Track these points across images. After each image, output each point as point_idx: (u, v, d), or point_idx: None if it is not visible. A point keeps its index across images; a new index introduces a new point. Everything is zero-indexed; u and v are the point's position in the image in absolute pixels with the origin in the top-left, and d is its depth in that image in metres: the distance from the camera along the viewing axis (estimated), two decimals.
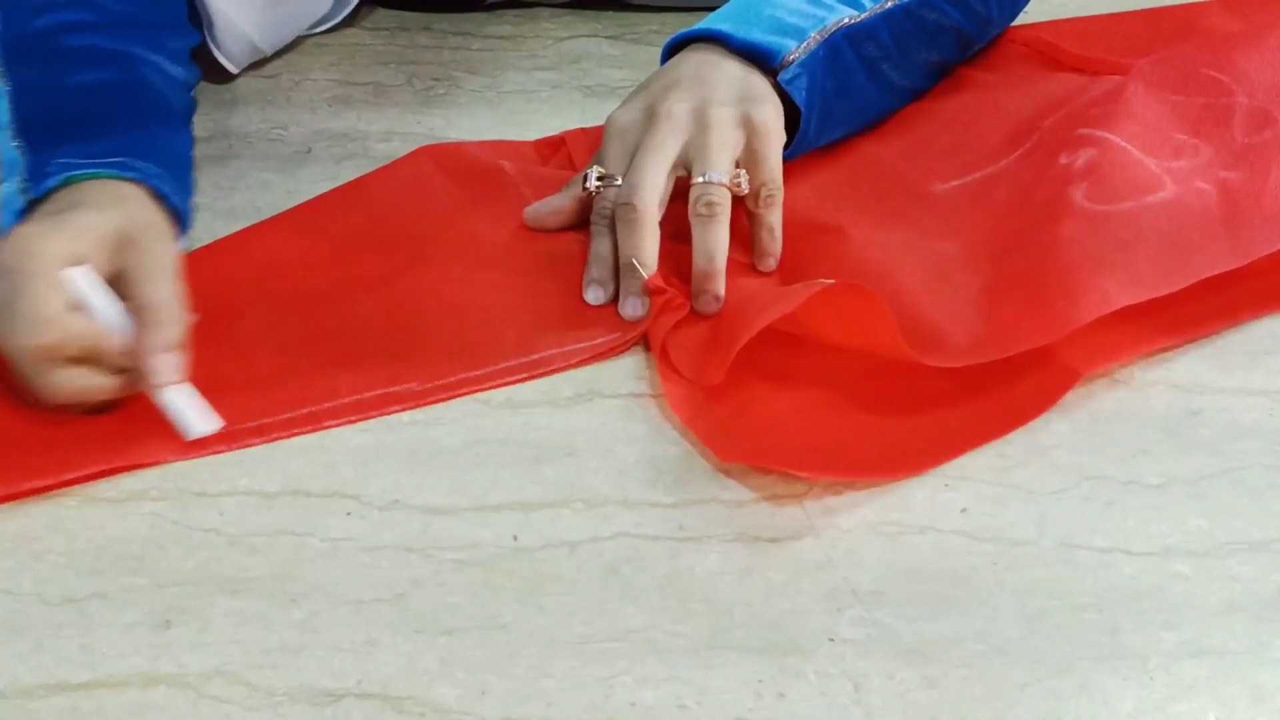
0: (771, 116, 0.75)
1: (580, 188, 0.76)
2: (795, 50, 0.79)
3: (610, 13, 1.02)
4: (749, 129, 0.74)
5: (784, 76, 0.78)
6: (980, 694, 0.56)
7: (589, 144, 0.84)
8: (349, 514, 0.62)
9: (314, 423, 0.67)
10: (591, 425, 0.67)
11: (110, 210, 0.66)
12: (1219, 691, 0.56)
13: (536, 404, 0.68)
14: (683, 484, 0.64)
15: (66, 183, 0.68)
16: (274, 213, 0.80)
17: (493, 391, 0.69)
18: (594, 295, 0.73)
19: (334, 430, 0.66)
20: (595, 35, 0.99)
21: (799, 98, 0.78)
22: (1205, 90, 0.84)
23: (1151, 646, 0.58)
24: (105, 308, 0.64)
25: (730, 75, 0.77)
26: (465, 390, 0.69)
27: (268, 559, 0.60)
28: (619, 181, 0.74)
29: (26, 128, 0.71)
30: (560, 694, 0.55)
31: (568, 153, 0.84)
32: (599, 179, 0.75)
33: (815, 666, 0.56)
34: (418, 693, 0.55)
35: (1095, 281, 0.70)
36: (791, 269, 0.75)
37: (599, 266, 0.73)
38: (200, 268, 0.71)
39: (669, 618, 0.58)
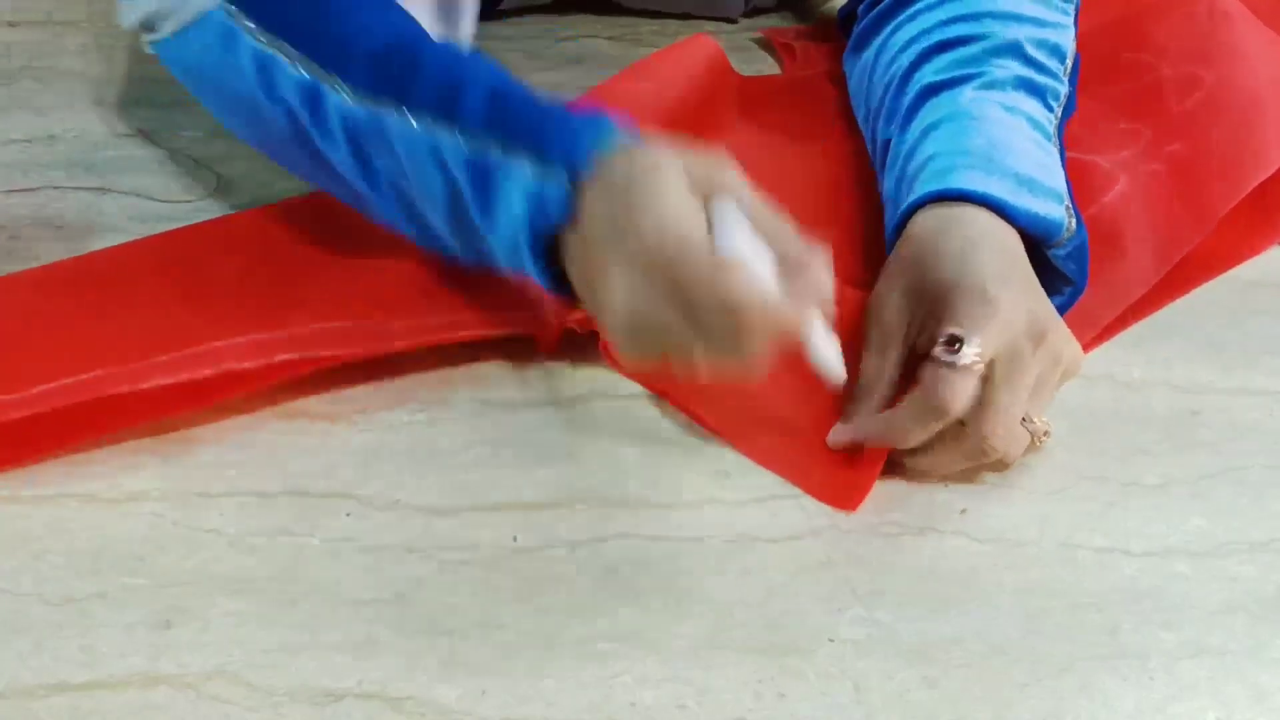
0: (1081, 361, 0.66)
1: (947, 348, 0.63)
2: (1069, 220, 0.70)
3: (610, 14, 1.02)
4: (1064, 373, 0.65)
5: (1058, 253, 0.69)
6: (980, 694, 0.56)
7: None
8: (349, 514, 0.62)
9: (266, 353, 0.66)
10: (591, 425, 0.67)
11: (662, 164, 0.60)
12: (1219, 691, 0.56)
13: (536, 404, 0.68)
14: (683, 484, 0.64)
15: (603, 156, 0.61)
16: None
17: (493, 392, 0.69)
18: (841, 439, 0.65)
19: (334, 430, 0.66)
20: (595, 36, 1.00)
21: (1074, 274, 0.70)
22: (1129, 75, 0.85)
23: (1151, 646, 0.58)
24: (758, 252, 0.58)
25: (1030, 273, 0.67)
26: (421, 340, 0.69)
27: (268, 559, 0.60)
28: (983, 364, 0.62)
29: (486, 130, 0.64)
30: (560, 694, 0.55)
31: None
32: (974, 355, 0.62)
33: (815, 667, 0.56)
34: (418, 693, 0.55)
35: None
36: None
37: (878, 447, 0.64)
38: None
39: (669, 618, 0.58)
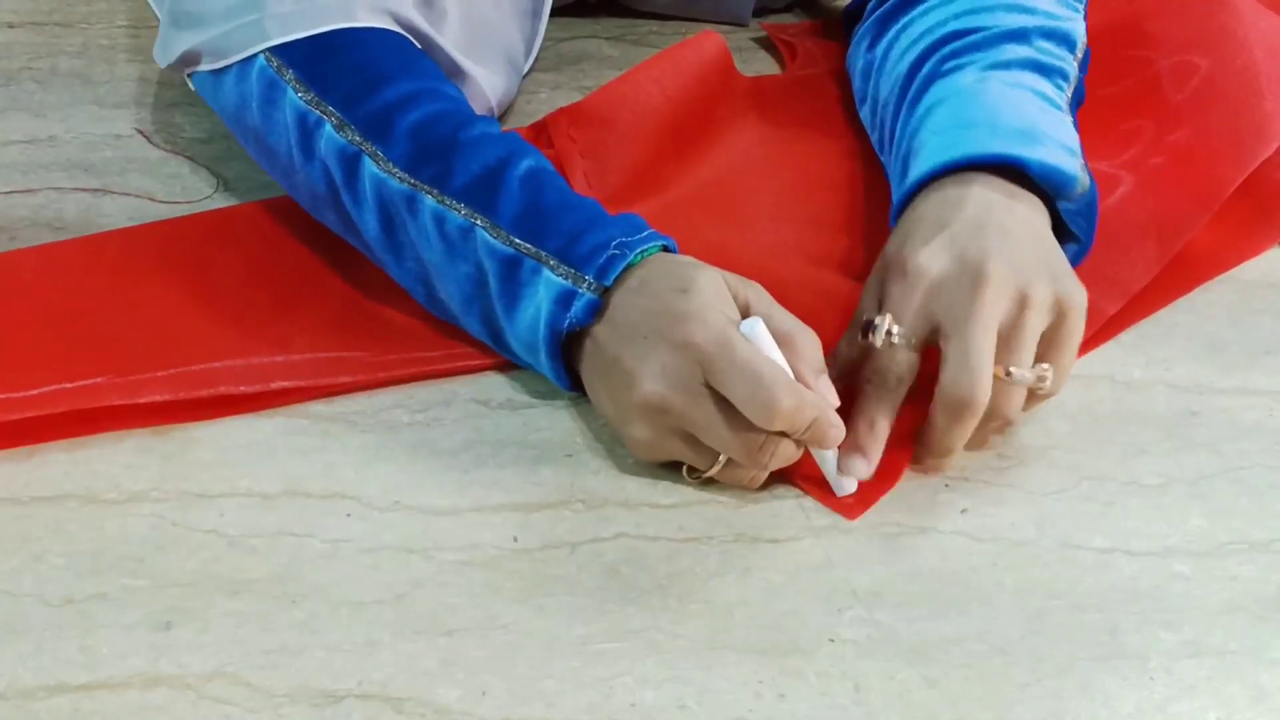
0: (1083, 298, 0.65)
1: (864, 336, 0.65)
2: (1083, 175, 0.69)
3: (611, 15, 1.02)
4: (1059, 312, 0.64)
5: (1069, 208, 0.69)
6: (980, 694, 0.56)
7: (569, 122, 0.84)
8: (349, 515, 0.62)
9: (263, 379, 0.67)
10: (591, 425, 0.67)
11: (702, 267, 0.63)
12: (1219, 691, 0.56)
13: (536, 404, 0.68)
14: (683, 484, 0.64)
15: (631, 264, 0.64)
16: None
17: (493, 392, 0.69)
18: (857, 467, 0.63)
19: (334, 430, 0.66)
20: (595, 36, 0.99)
21: (1081, 231, 0.70)
22: (1130, 71, 0.86)
23: (1151, 646, 0.58)
24: (782, 363, 0.61)
25: (1038, 236, 0.67)
26: (416, 371, 0.69)
27: (268, 560, 0.60)
28: (909, 338, 0.64)
29: (519, 223, 0.66)
30: (560, 695, 0.55)
31: (548, 136, 0.84)
32: (890, 333, 0.64)
33: (815, 667, 0.56)
34: (418, 693, 0.55)
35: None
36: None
37: (875, 440, 0.64)
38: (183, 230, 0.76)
39: (669, 618, 0.58)
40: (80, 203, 0.81)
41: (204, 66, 0.76)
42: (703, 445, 0.62)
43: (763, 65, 0.97)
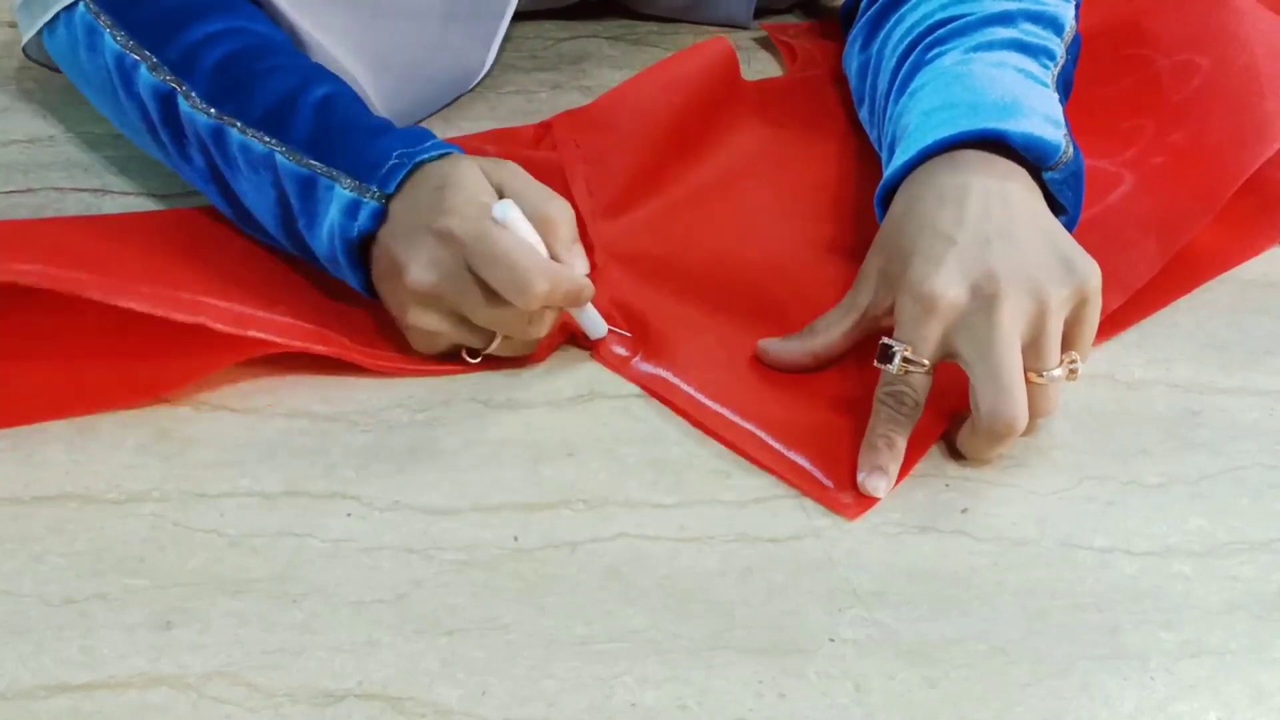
0: (1097, 279, 0.64)
1: (879, 361, 0.65)
2: (1067, 145, 0.70)
3: (611, 15, 1.02)
4: (1077, 301, 0.64)
5: (1054, 177, 0.70)
6: (981, 694, 0.56)
7: (573, 126, 0.84)
8: (349, 515, 0.62)
9: (240, 325, 0.67)
10: (591, 425, 0.67)
11: (459, 161, 0.68)
12: (1219, 691, 0.56)
13: (536, 404, 0.68)
14: (683, 484, 0.64)
15: (411, 171, 0.68)
16: None
17: (493, 392, 0.69)
18: (879, 485, 0.64)
19: (334, 431, 0.66)
20: (595, 36, 1.00)
21: (1069, 201, 0.71)
22: (1130, 70, 0.87)
23: (1152, 646, 0.58)
24: (536, 241, 0.66)
25: (1040, 221, 0.66)
26: (402, 367, 0.70)
27: (268, 560, 0.60)
28: (925, 365, 0.64)
29: (311, 145, 0.70)
30: (561, 695, 0.55)
31: (552, 138, 0.84)
32: (906, 361, 0.64)
33: (816, 667, 0.56)
34: (418, 693, 0.55)
35: None
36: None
37: (894, 458, 0.64)
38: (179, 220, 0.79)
39: (669, 618, 0.58)
40: (80, 203, 0.81)
41: (40, 20, 0.79)
42: (477, 327, 0.68)
43: (763, 66, 0.97)
